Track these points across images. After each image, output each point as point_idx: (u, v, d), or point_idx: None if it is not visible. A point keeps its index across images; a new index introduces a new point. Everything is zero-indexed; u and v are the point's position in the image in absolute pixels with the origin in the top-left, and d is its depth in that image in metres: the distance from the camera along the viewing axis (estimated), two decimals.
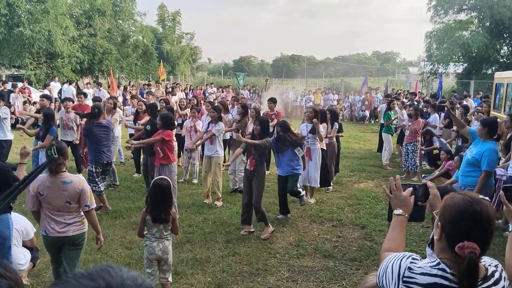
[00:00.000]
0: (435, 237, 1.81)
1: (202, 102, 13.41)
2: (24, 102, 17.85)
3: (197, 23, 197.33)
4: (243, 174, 8.64)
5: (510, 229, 2.44)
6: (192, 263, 5.60)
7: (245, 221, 6.75)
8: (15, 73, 27.47)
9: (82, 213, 4.42)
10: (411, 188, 2.21)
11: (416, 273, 1.77)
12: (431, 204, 2.20)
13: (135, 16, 33.65)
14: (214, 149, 8.17)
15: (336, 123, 9.44)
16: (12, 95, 17.80)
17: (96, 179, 7.47)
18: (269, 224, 6.67)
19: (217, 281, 5.15)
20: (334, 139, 9.51)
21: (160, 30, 45.14)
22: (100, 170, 7.53)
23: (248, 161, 6.83)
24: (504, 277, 1.87)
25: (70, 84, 21.41)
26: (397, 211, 2.16)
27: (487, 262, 1.86)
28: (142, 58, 35.05)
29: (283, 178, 7.23)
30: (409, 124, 10.27)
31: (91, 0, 28.77)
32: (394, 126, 11.85)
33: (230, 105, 11.68)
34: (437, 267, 1.74)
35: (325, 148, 8.63)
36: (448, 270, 1.72)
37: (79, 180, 4.35)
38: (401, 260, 1.84)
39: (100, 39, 29.43)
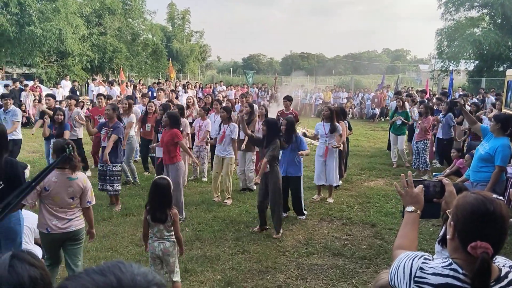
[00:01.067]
0: (448, 236, 1.80)
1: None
2: (35, 100, 18.01)
3: (206, 21, 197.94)
4: (252, 173, 8.69)
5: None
6: (202, 261, 5.62)
7: (262, 222, 6.78)
8: (26, 71, 27.68)
9: (80, 210, 4.52)
10: (421, 185, 2.19)
11: (427, 273, 1.75)
12: (447, 201, 2.19)
13: (144, 14, 33.82)
14: (226, 150, 8.16)
15: (345, 121, 9.46)
16: (23, 93, 17.97)
17: (117, 178, 7.54)
18: (280, 231, 6.63)
19: (227, 279, 5.16)
20: (344, 138, 9.51)
21: (170, 29, 45.25)
22: (121, 169, 7.59)
23: (261, 163, 6.74)
24: None
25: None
26: (409, 208, 2.14)
27: (501, 262, 1.83)
28: (152, 56, 35.17)
29: (283, 178, 7.13)
30: (419, 122, 10.19)
31: None
32: (398, 123, 11.54)
33: (239, 103, 11.66)
34: (449, 267, 1.73)
35: (341, 148, 8.66)
36: (460, 270, 1.70)
37: (83, 177, 4.49)
38: (413, 260, 1.82)
39: (110, 37, 29.58)
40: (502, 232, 1.71)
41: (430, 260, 1.80)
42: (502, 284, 1.75)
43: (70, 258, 4.52)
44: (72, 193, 4.37)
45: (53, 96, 10.15)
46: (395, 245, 2.15)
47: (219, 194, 8.27)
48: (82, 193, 4.43)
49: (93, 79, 23.92)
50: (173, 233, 4.47)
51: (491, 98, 16.43)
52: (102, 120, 9.01)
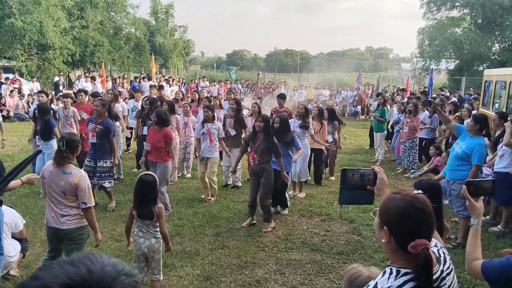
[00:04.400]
0: (383, 240, 1.84)
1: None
2: (11, 91, 17.73)
3: (190, 16, 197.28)
4: (239, 170, 8.75)
5: (472, 223, 2.51)
6: (181, 256, 5.65)
7: (250, 214, 6.86)
8: (6, 64, 27.25)
9: (79, 208, 4.42)
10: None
11: None
12: (378, 188, 2.27)
13: (127, 8, 33.56)
14: (211, 149, 8.13)
15: (335, 122, 9.58)
16: (3, 86, 17.72)
17: (112, 174, 7.48)
18: (272, 221, 6.77)
19: (206, 274, 5.21)
20: (337, 138, 9.63)
21: (153, 23, 44.97)
22: (111, 165, 7.47)
23: (251, 157, 6.80)
24: (444, 252, 1.97)
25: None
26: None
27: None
28: (135, 50, 34.91)
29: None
30: (408, 120, 10.33)
31: None
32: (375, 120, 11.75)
33: (227, 100, 11.66)
34: (399, 277, 1.75)
35: (324, 149, 8.83)
36: (408, 271, 1.75)
37: (77, 174, 4.36)
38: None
39: (92, 31, 29.27)
40: (432, 225, 1.81)
41: (379, 279, 1.81)
42: (445, 265, 1.88)
43: (66, 256, 4.49)
44: (63, 187, 4.31)
45: (45, 93, 10.00)
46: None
47: (210, 193, 8.20)
48: (77, 191, 4.32)
49: (87, 76, 23.53)
50: (158, 229, 4.44)
51: (453, 99, 16.82)
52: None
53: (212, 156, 8.13)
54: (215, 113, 8.53)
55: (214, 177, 8.18)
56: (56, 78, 21.73)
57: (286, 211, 7.49)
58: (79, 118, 8.95)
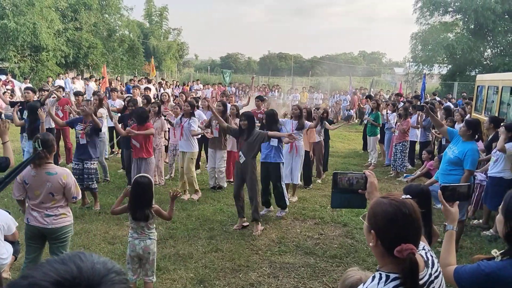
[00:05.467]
0: (370, 244, 1.86)
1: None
2: (4, 93, 17.61)
3: (184, 19, 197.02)
4: (223, 171, 8.80)
5: (447, 228, 2.51)
6: (174, 259, 5.64)
7: (239, 214, 6.90)
8: None
9: (64, 207, 4.46)
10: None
11: None
12: (368, 191, 2.30)
13: (121, 10, 33.50)
14: (187, 144, 8.24)
15: (325, 122, 9.73)
16: None
17: (97, 175, 7.49)
18: (260, 223, 6.79)
19: (200, 277, 5.20)
20: (322, 139, 9.73)
21: (147, 25, 44.84)
22: (97, 166, 7.52)
23: (239, 154, 6.84)
24: (431, 255, 1.99)
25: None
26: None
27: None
28: (128, 53, 34.83)
29: (263, 165, 7.42)
30: (398, 124, 10.39)
31: None
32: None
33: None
34: (388, 282, 1.77)
35: (308, 149, 8.87)
36: (397, 276, 1.77)
37: (63, 173, 4.38)
38: None
39: (85, 33, 29.18)
40: (419, 230, 1.82)
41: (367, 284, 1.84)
42: (433, 270, 1.90)
43: (51, 255, 4.48)
44: (51, 188, 4.31)
45: (33, 90, 9.98)
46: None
47: (187, 189, 8.34)
48: (65, 189, 4.37)
49: (75, 77, 23.49)
50: (153, 230, 4.48)
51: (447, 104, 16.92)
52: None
53: (188, 151, 8.22)
54: (204, 115, 8.68)
55: (192, 173, 8.25)
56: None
57: (284, 213, 7.51)
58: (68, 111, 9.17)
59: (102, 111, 9.40)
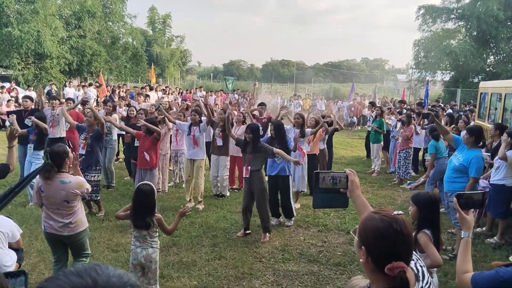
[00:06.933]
0: (361, 260, 1.82)
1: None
2: (8, 101, 17.72)
3: (187, 26, 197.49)
4: (226, 179, 8.80)
5: (463, 235, 2.51)
6: (178, 267, 5.63)
7: (245, 229, 6.88)
8: (3, 73, 27.24)
9: (80, 212, 4.57)
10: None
11: None
12: (350, 190, 2.31)
13: (125, 18, 33.67)
14: (196, 152, 8.23)
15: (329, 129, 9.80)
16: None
17: (99, 185, 7.58)
18: (268, 233, 6.78)
19: (203, 285, 5.19)
20: (325, 147, 9.74)
21: (150, 33, 45.10)
22: (99, 178, 7.60)
23: (244, 168, 6.85)
24: (421, 265, 1.96)
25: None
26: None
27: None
28: (132, 60, 35.01)
29: (271, 178, 7.36)
30: (402, 130, 10.38)
31: (81, 1, 28.69)
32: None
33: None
34: None
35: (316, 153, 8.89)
36: None
37: (78, 182, 4.44)
38: None
39: (89, 40, 29.32)
40: (410, 246, 1.78)
41: None
42: (424, 282, 1.88)
43: (72, 254, 4.76)
44: (66, 196, 4.35)
45: (31, 98, 10.00)
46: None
47: (191, 198, 8.31)
48: (79, 196, 4.49)
49: (79, 85, 23.56)
50: (156, 239, 4.47)
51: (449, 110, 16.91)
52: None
53: (198, 158, 8.22)
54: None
55: (201, 181, 8.25)
56: (48, 88, 21.66)
57: (291, 222, 7.49)
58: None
59: (115, 117, 9.58)
